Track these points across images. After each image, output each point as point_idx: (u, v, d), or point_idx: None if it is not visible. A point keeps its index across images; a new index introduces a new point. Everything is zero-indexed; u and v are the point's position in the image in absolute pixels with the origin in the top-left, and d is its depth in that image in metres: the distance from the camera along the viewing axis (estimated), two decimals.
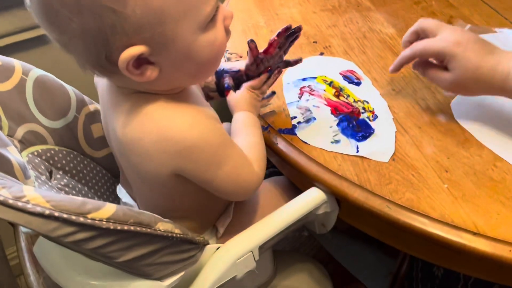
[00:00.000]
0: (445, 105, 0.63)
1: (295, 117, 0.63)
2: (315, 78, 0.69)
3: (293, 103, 0.65)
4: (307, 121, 0.62)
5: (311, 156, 0.57)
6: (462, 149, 0.56)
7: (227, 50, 0.76)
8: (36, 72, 0.58)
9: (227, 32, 0.49)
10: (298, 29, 0.58)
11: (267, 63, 0.60)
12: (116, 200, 0.67)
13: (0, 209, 0.35)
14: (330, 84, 0.67)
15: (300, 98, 0.66)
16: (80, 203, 0.38)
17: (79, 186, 0.60)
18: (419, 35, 0.59)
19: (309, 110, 0.63)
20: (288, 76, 0.70)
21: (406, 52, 0.58)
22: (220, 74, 0.63)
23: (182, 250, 0.47)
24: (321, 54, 0.74)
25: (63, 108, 0.60)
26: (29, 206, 0.35)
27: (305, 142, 0.59)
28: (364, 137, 0.59)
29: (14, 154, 0.48)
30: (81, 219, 0.37)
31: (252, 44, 0.58)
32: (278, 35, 0.57)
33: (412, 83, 0.67)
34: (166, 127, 0.46)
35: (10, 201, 0.35)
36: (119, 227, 0.39)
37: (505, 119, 0.59)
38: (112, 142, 0.55)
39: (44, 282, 0.60)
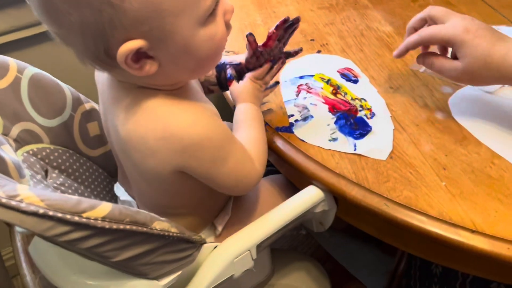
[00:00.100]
0: (442, 102, 0.63)
1: (292, 115, 0.62)
2: (312, 76, 0.68)
3: (290, 101, 0.65)
4: (305, 119, 0.62)
5: (308, 154, 0.57)
6: (460, 146, 0.56)
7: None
8: (31, 70, 0.57)
9: (228, 26, 0.48)
10: (297, 20, 0.58)
11: (267, 55, 0.60)
12: (113, 199, 0.67)
13: None
14: (328, 82, 0.67)
15: (297, 96, 0.65)
16: (75, 202, 0.37)
17: (75, 185, 0.60)
18: (426, 22, 0.58)
19: (306, 108, 0.63)
20: (286, 74, 0.69)
21: (413, 37, 0.57)
22: (220, 68, 0.63)
23: (179, 249, 0.47)
24: (319, 52, 0.74)
25: (58, 107, 0.60)
26: (22, 205, 0.35)
27: (303, 140, 0.59)
28: (362, 135, 0.58)
29: (9, 153, 0.48)
30: (76, 218, 0.37)
31: (250, 38, 0.58)
32: (277, 27, 0.57)
33: (409, 81, 0.67)
34: (170, 125, 0.46)
35: (3, 200, 0.34)
36: (114, 226, 0.39)
37: (503, 116, 0.59)
38: (112, 138, 0.54)
39: (40, 282, 0.60)
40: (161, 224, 0.43)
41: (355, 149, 0.57)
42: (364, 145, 0.57)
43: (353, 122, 0.60)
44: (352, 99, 0.64)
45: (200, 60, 0.47)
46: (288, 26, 0.58)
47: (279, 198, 0.65)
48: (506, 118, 0.59)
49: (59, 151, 0.59)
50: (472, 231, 0.47)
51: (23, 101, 0.56)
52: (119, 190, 0.65)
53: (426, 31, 0.55)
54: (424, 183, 0.52)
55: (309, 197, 0.55)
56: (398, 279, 0.93)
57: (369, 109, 0.62)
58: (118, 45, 0.41)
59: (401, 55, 0.60)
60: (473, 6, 0.82)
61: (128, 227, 0.40)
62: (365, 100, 0.63)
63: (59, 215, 0.36)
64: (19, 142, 0.55)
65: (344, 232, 1.09)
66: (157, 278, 0.47)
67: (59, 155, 0.59)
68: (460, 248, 0.47)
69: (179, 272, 0.48)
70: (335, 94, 0.65)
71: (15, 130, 0.55)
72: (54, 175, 0.57)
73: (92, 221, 0.37)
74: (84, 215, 0.37)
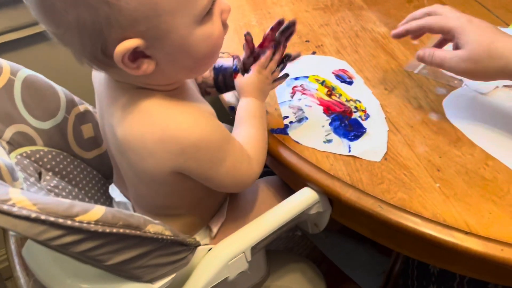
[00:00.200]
0: (437, 104, 0.63)
1: (287, 117, 0.62)
2: (307, 77, 0.68)
3: (285, 103, 0.65)
4: (299, 120, 0.61)
5: (303, 156, 0.57)
6: (454, 148, 0.56)
7: None
8: (24, 72, 0.57)
9: (225, 26, 0.48)
10: (292, 23, 0.58)
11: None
12: (108, 200, 0.67)
13: None
14: (323, 83, 0.67)
15: (292, 97, 0.65)
16: (68, 205, 0.37)
17: (69, 187, 0.59)
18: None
19: (301, 109, 0.63)
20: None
21: (416, 22, 0.57)
22: (218, 70, 0.63)
23: (173, 252, 0.47)
24: (314, 53, 0.74)
25: (52, 109, 0.59)
26: (14, 209, 0.35)
27: (297, 142, 0.59)
28: (356, 137, 0.58)
29: (1, 156, 0.47)
30: (69, 222, 0.36)
31: (248, 37, 0.58)
32: (272, 29, 0.58)
33: (404, 82, 0.67)
34: (168, 127, 0.46)
35: None
36: (107, 230, 0.38)
37: (497, 118, 0.59)
38: (109, 138, 0.54)
39: (34, 285, 0.60)
40: (154, 227, 0.43)
41: (349, 151, 0.57)
42: (359, 147, 0.57)
43: (347, 124, 0.60)
44: (346, 100, 0.64)
45: (197, 59, 0.47)
46: (285, 30, 0.58)
47: (274, 199, 0.65)
48: (500, 120, 0.59)
49: (52, 153, 0.59)
50: (466, 233, 0.47)
51: (16, 103, 0.56)
52: (114, 191, 0.64)
53: (430, 19, 0.55)
54: (418, 184, 0.52)
55: (303, 199, 0.55)
56: (393, 279, 0.93)
57: (364, 111, 0.62)
58: (115, 44, 0.41)
59: (399, 36, 0.59)
60: (467, 6, 0.82)
61: (121, 230, 0.40)
62: (359, 102, 0.63)
63: (52, 219, 0.36)
64: (12, 144, 0.55)
65: (339, 232, 1.09)
66: (151, 281, 0.47)
67: (53, 157, 0.58)
68: (454, 250, 0.47)
69: (173, 275, 0.48)
70: (329, 95, 0.65)
71: (8, 133, 0.54)
72: (47, 177, 0.57)
73: (85, 225, 0.37)
74: (77, 219, 0.37)
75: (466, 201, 0.50)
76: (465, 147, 0.56)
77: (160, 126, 0.46)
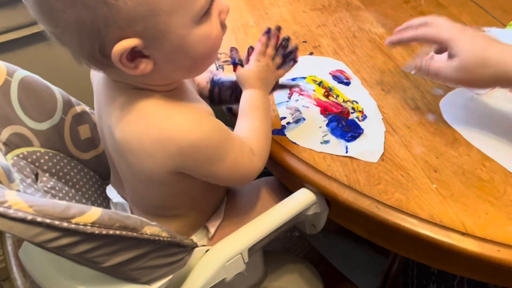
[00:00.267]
0: (434, 104, 0.63)
1: (284, 118, 0.62)
2: (304, 78, 0.68)
3: (282, 103, 0.65)
4: (297, 121, 0.62)
5: (300, 157, 0.57)
6: (451, 148, 0.56)
7: None
8: (21, 73, 0.57)
9: (223, 26, 0.48)
10: (278, 28, 0.58)
11: None
12: (105, 201, 0.67)
13: None
14: (320, 84, 0.67)
15: (289, 98, 0.65)
16: (64, 207, 0.37)
17: (66, 188, 0.59)
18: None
19: (298, 110, 0.63)
20: None
21: (409, 32, 0.57)
22: (215, 83, 0.63)
23: (170, 254, 0.47)
24: (311, 53, 0.74)
25: (49, 110, 0.59)
26: (10, 211, 0.35)
27: (295, 143, 0.59)
28: (354, 137, 0.58)
29: None
30: (65, 224, 0.36)
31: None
32: (264, 42, 0.58)
33: (401, 83, 0.67)
34: (166, 127, 0.46)
35: None
36: (104, 232, 0.38)
37: (494, 118, 0.59)
38: (107, 139, 0.54)
39: (30, 287, 0.60)
40: (151, 229, 0.43)
41: (346, 152, 0.57)
42: (356, 148, 0.57)
43: (344, 125, 0.60)
44: (344, 101, 0.64)
45: (195, 59, 0.47)
46: (283, 48, 0.58)
47: (272, 200, 0.65)
48: (497, 121, 0.59)
49: (49, 154, 0.59)
50: (463, 234, 0.47)
51: (13, 104, 0.55)
52: (111, 192, 0.64)
53: (424, 29, 0.56)
54: (415, 185, 0.52)
55: (301, 199, 0.55)
56: (391, 279, 0.93)
57: (361, 112, 0.62)
58: (113, 43, 0.41)
59: (392, 44, 0.60)
60: (464, 7, 0.82)
61: (118, 232, 0.40)
62: (356, 102, 0.63)
63: (48, 221, 0.36)
64: (9, 145, 0.54)
65: (337, 233, 1.09)
66: (148, 282, 0.47)
67: (50, 158, 0.58)
68: (450, 251, 0.47)
69: (170, 276, 0.48)
70: (327, 96, 0.65)
71: (5, 134, 0.54)
72: (44, 178, 0.57)
73: (81, 227, 0.37)
74: (73, 221, 0.37)
75: (462, 201, 0.50)
76: (462, 148, 0.56)
77: (157, 127, 0.46)
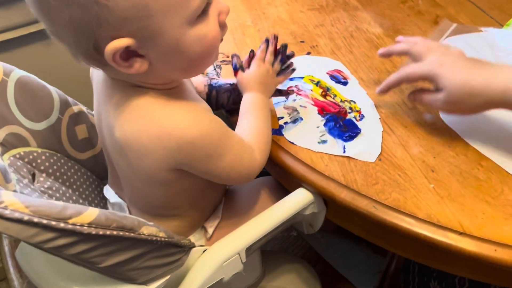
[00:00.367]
0: None
1: (282, 118, 0.62)
2: (302, 78, 0.68)
3: (280, 103, 0.65)
4: (294, 121, 0.61)
5: (298, 156, 0.57)
6: (448, 148, 0.56)
7: None
8: (17, 73, 0.57)
9: (223, 27, 0.48)
10: (276, 38, 0.60)
11: None
12: (103, 201, 0.66)
13: None
14: (317, 84, 0.67)
15: (287, 98, 0.65)
16: (61, 208, 0.37)
17: (63, 188, 0.59)
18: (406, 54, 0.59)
19: (296, 110, 0.63)
20: None
21: (393, 76, 0.58)
22: (213, 87, 0.63)
23: (167, 254, 0.46)
24: (308, 53, 0.74)
25: (46, 110, 0.59)
26: (7, 212, 0.35)
27: (292, 143, 0.59)
28: (351, 137, 0.58)
29: None
30: (62, 224, 0.36)
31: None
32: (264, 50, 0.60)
33: None
34: (164, 124, 0.46)
35: None
36: (101, 232, 0.38)
37: (491, 118, 0.59)
38: (106, 137, 0.54)
39: (27, 287, 0.59)
40: (148, 229, 0.43)
41: (344, 151, 0.57)
42: (353, 147, 0.57)
43: (342, 124, 0.60)
44: (341, 101, 0.64)
45: (191, 59, 0.46)
46: (282, 54, 0.60)
47: (269, 200, 0.65)
48: (494, 120, 0.59)
49: (46, 154, 0.58)
50: (460, 233, 0.47)
51: (9, 104, 0.55)
52: (109, 192, 0.64)
53: (404, 71, 0.57)
54: (412, 185, 0.52)
55: (298, 199, 0.55)
56: (389, 279, 0.93)
57: (358, 111, 0.62)
58: (107, 42, 0.41)
59: (383, 92, 0.61)
60: (462, 7, 0.82)
61: (115, 232, 0.39)
62: (354, 102, 0.63)
63: (44, 221, 0.36)
64: (6, 146, 0.54)
65: (335, 233, 1.09)
66: (145, 283, 0.47)
67: (46, 159, 0.58)
68: (448, 250, 0.47)
69: (168, 277, 0.48)
70: (324, 96, 0.65)
71: (1, 134, 0.54)
72: (41, 178, 0.57)
73: (78, 227, 0.37)
74: (70, 221, 0.37)
75: (460, 201, 0.50)
76: (459, 148, 0.56)
77: (156, 124, 0.46)
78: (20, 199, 0.36)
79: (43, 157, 0.58)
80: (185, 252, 0.49)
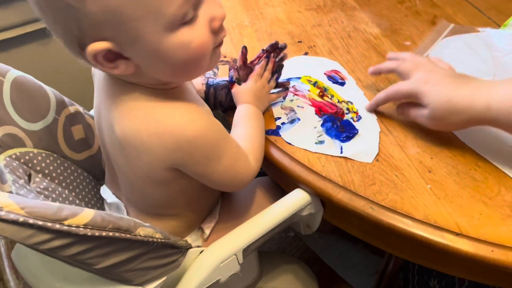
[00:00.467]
0: None
1: (279, 118, 0.62)
2: (299, 78, 0.68)
3: (277, 104, 0.65)
4: (292, 121, 0.61)
5: (295, 157, 0.57)
6: (445, 149, 0.56)
7: None
8: (13, 73, 0.56)
9: (217, 33, 0.46)
10: (284, 46, 0.63)
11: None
12: (99, 202, 0.66)
13: None
14: (315, 84, 0.67)
15: (284, 98, 0.65)
16: (56, 209, 0.37)
17: (59, 189, 0.59)
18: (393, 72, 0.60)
19: (293, 110, 0.63)
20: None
21: (381, 95, 0.59)
22: (210, 85, 0.63)
23: (164, 255, 0.46)
24: (306, 54, 0.74)
25: (42, 110, 0.59)
26: (2, 213, 0.34)
27: (289, 143, 0.58)
28: (348, 138, 0.58)
29: None
30: (57, 225, 0.36)
31: (244, 51, 0.61)
32: (266, 51, 0.63)
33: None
34: (163, 122, 0.46)
35: None
36: (97, 233, 0.38)
37: None
38: (105, 135, 0.54)
39: None
40: (145, 230, 0.43)
41: (341, 152, 0.57)
42: (351, 148, 0.57)
43: (339, 125, 0.60)
44: (338, 101, 0.64)
45: (174, 66, 0.45)
46: (279, 49, 0.62)
47: (266, 201, 0.65)
48: None
49: (42, 155, 0.58)
50: (457, 234, 0.47)
51: (5, 104, 0.55)
52: (105, 192, 0.64)
53: (391, 89, 0.58)
54: (409, 186, 0.52)
55: (295, 200, 0.55)
56: (386, 280, 0.93)
57: (356, 112, 0.62)
58: (89, 44, 0.41)
59: (372, 109, 0.62)
60: (459, 8, 0.82)
61: (111, 233, 0.39)
62: (351, 103, 0.63)
63: (40, 223, 0.35)
64: (1, 146, 0.54)
65: (332, 233, 1.09)
66: (142, 284, 0.47)
67: (43, 159, 0.58)
68: (445, 251, 0.47)
69: (164, 278, 0.48)
70: (322, 96, 0.65)
71: None
72: (37, 179, 0.56)
73: (73, 228, 0.37)
74: (66, 222, 0.37)
75: (457, 202, 0.50)
76: (456, 149, 0.56)
77: (155, 121, 0.46)
78: (15, 200, 0.36)
79: (39, 158, 0.58)
80: (181, 253, 0.49)
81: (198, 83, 0.64)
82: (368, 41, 0.76)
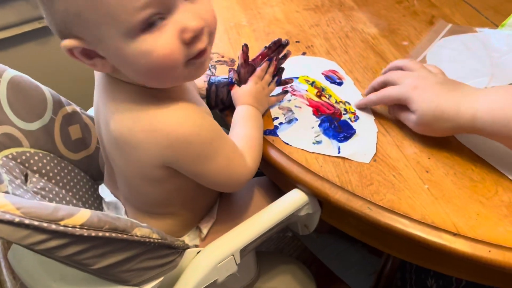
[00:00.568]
0: None
1: (276, 118, 0.62)
2: (297, 78, 0.68)
3: (275, 104, 0.64)
4: (289, 121, 0.61)
5: (292, 157, 0.57)
6: (443, 149, 0.56)
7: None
8: (10, 73, 0.56)
9: (189, 44, 0.43)
10: (287, 43, 0.63)
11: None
12: (97, 202, 0.66)
13: None
14: (312, 84, 0.67)
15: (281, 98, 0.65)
16: (53, 209, 0.37)
17: (56, 189, 0.59)
18: (386, 85, 0.60)
19: (291, 110, 0.63)
20: None
21: (372, 97, 0.60)
22: (212, 82, 0.63)
23: (161, 256, 0.46)
24: (304, 53, 0.74)
25: (38, 110, 0.59)
26: None
27: (287, 143, 0.58)
28: (346, 138, 0.58)
29: None
30: (53, 226, 0.36)
31: (245, 48, 0.61)
32: (269, 47, 0.62)
33: None
34: (156, 119, 0.46)
35: None
36: (93, 234, 0.38)
37: None
38: (103, 132, 0.54)
39: None
40: (141, 231, 0.43)
41: (339, 152, 0.57)
42: (348, 148, 0.57)
43: (337, 125, 0.60)
44: (336, 102, 0.64)
45: (141, 72, 0.44)
46: (281, 46, 0.62)
47: (264, 201, 0.65)
48: None
49: (39, 154, 0.58)
50: (454, 234, 0.47)
51: (2, 104, 0.55)
52: (104, 191, 0.64)
53: (382, 93, 0.59)
54: (407, 186, 0.52)
55: (293, 200, 0.55)
56: (384, 280, 0.93)
57: (353, 113, 0.62)
58: (63, 39, 0.43)
59: (360, 107, 0.63)
60: (456, 8, 0.83)
61: (107, 234, 0.39)
62: (349, 104, 0.63)
63: (36, 223, 0.35)
64: None
65: (330, 233, 1.09)
66: (139, 284, 0.46)
67: (40, 159, 0.58)
68: (442, 251, 0.47)
69: (161, 278, 0.48)
70: (319, 96, 0.65)
71: None
72: (34, 179, 0.56)
73: (70, 229, 0.37)
74: (62, 222, 0.37)
75: (454, 202, 0.50)
76: (454, 149, 0.56)
77: (148, 119, 0.47)
78: (11, 200, 0.36)
79: (36, 158, 0.58)
80: (178, 253, 0.49)
81: (199, 80, 0.64)
82: (366, 41, 0.76)
